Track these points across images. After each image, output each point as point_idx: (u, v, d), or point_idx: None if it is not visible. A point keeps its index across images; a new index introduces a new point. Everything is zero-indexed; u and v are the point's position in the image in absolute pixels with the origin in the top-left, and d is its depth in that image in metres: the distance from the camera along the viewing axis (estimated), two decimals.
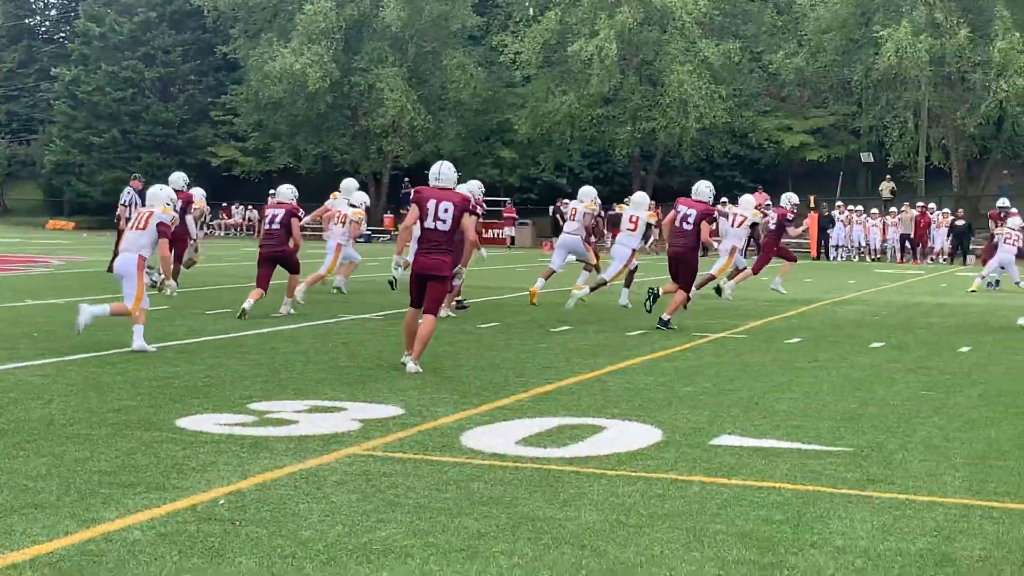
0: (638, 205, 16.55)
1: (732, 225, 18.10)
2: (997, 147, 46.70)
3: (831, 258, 39.99)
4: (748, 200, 18.89)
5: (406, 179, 48.48)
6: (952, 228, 39.84)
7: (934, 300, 19.69)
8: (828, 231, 41.04)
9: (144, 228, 11.13)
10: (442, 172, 10.03)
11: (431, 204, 9.82)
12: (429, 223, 9.84)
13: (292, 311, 14.53)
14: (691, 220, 13.78)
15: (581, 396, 8.78)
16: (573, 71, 46.70)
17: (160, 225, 11.06)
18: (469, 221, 10.07)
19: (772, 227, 19.02)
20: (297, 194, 15.11)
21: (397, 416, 7.77)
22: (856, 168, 48.28)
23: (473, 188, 15.65)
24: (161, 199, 11.36)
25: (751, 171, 50.24)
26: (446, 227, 9.81)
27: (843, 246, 41.26)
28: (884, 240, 41.76)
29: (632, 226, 16.35)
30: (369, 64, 49.70)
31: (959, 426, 7.87)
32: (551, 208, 43.92)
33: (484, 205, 17.76)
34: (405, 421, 7.61)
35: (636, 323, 14.40)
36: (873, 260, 38.75)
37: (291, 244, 14.39)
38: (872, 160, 46.69)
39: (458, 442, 6.94)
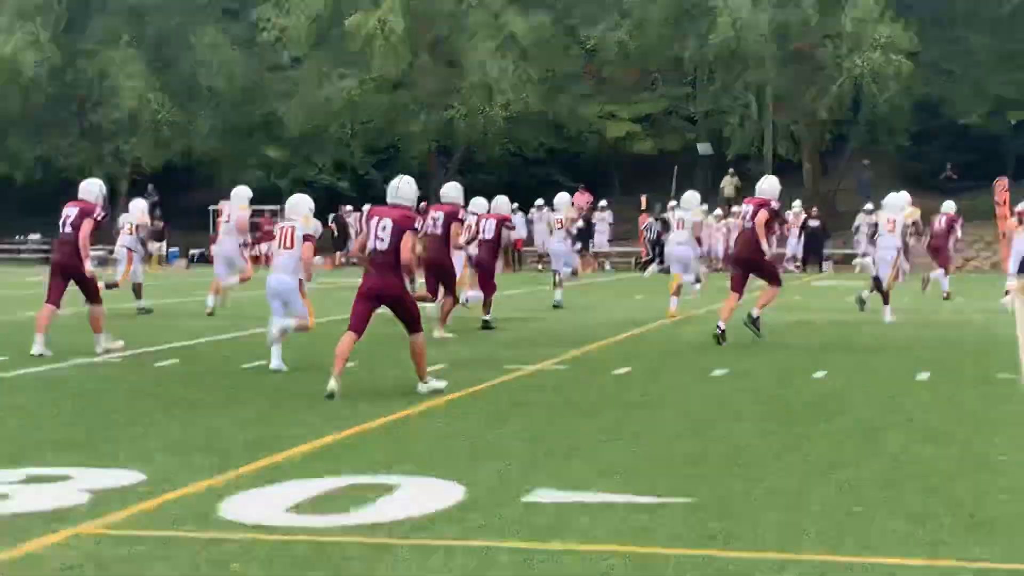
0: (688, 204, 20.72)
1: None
2: (854, 133, 47.93)
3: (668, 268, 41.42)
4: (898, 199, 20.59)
5: (150, 185, 47.40)
6: (804, 229, 41.28)
7: (786, 317, 19.86)
8: (663, 236, 41.95)
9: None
10: (400, 188, 11.50)
11: (372, 223, 11.40)
12: (370, 243, 11.36)
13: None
14: (748, 217, 15.88)
15: (369, 449, 9.08)
16: (352, 50, 47.32)
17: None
18: (408, 239, 11.23)
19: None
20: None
21: (137, 484, 7.85)
22: (693, 162, 48.74)
23: (500, 205, 19.09)
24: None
25: (571, 167, 50.91)
26: (385, 246, 11.25)
27: None
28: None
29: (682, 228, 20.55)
30: (99, 45, 49.19)
31: (814, 469, 8.19)
32: (331, 217, 43.39)
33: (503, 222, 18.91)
34: (148, 490, 7.67)
35: (440, 355, 14.14)
36: (716, 271, 39.75)
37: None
38: (711, 152, 47.66)
39: (215, 513, 7.08)
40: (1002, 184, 39.51)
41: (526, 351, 15.26)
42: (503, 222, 18.54)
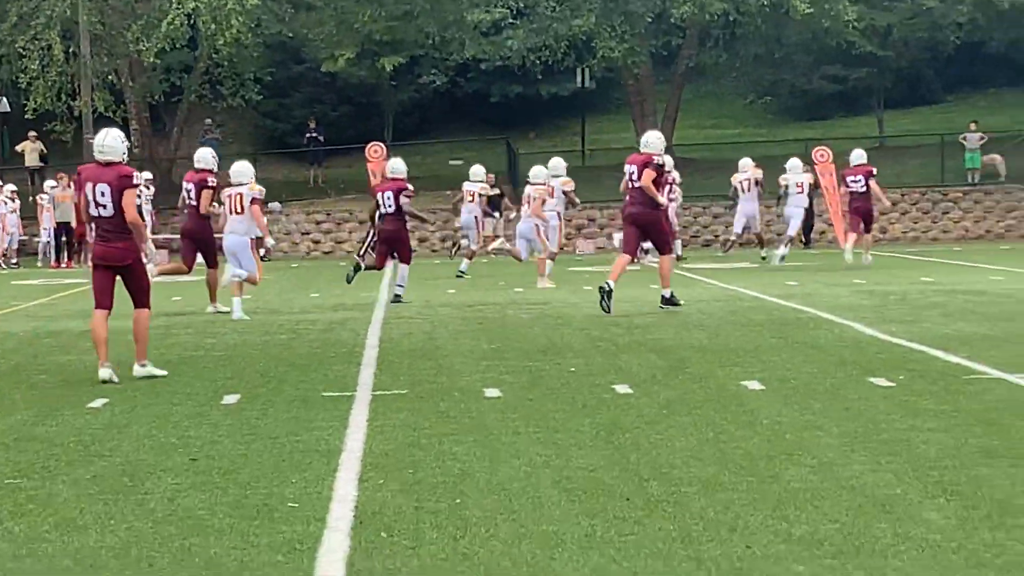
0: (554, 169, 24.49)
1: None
2: (192, 83, 45.51)
3: None
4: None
5: None
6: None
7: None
8: None
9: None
10: (106, 144, 12.24)
11: (88, 188, 12.24)
12: (92, 211, 12.28)
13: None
14: (635, 177, 17.36)
15: None
16: None
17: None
18: (128, 199, 12.29)
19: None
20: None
21: None
22: None
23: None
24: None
25: None
26: (109, 212, 12.14)
27: None
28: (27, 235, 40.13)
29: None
30: None
31: None
32: None
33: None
34: None
35: None
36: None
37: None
38: (8, 109, 45.66)
39: None
40: (376, 151, 38.71)
41: None
42: (401, 191, 20.27)
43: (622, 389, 10.84)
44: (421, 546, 6.23)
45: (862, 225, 26.52)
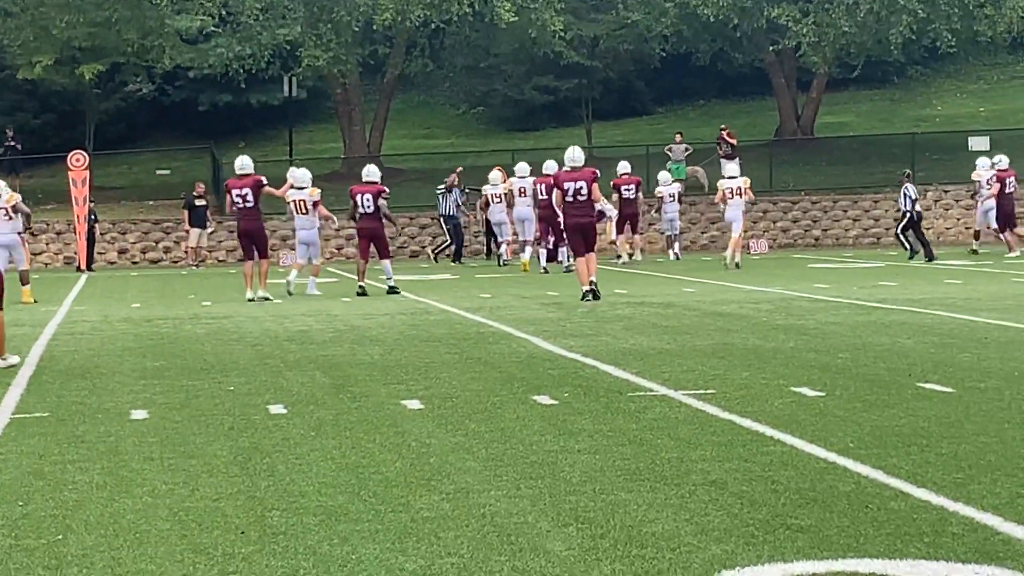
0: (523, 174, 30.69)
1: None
2: None
3: None
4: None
5: None
6: None
7: None
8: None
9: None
10: None
11: None
12: None
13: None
14: (583, 192, 19.92)
15: None
16: None
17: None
18: None
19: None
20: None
21: None
22: None
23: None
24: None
25: None
26: None
27: None
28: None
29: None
30: None
31: None
32: None
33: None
34: None
35: None
36: None
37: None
38: None
39: None
40: (78, 159, 37.12)
41: None
42: (380, 193, 22.79)
43: (275, 409, 10.36)
44: None
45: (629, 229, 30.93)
